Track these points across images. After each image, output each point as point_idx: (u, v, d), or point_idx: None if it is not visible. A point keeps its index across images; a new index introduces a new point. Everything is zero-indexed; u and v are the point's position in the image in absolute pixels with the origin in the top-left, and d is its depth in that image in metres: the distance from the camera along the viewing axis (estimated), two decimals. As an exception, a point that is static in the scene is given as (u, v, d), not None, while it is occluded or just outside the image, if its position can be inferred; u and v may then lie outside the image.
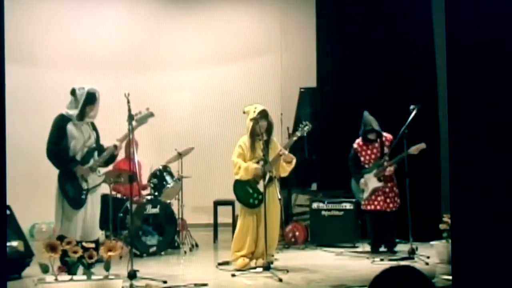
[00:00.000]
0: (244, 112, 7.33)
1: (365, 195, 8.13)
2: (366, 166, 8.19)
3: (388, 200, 8.07)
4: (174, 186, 8.81)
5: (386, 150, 8.07)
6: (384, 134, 8.14)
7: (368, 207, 8.17)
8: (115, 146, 6.83)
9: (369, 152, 8.21)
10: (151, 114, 6.76)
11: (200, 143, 10.19)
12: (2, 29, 3.65)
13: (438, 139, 8.89)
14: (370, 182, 8.08)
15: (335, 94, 10.16)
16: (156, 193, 8.69)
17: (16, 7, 9.82)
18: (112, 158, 6.99)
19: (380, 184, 8.04)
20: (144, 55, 10.88)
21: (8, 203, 4.89)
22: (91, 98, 6.71)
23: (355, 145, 8.27)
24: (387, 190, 8.08)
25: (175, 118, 10.85)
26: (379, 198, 8.10)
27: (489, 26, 3.15)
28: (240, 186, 7.24)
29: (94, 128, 6.92)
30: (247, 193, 7.20)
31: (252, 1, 11.39)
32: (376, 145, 8.17)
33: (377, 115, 8.24)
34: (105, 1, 10.82)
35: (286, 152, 7.21)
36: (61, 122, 6.70)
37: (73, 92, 6.73)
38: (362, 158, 8.23)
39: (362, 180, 8.12)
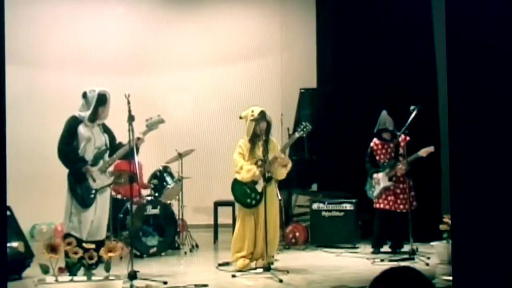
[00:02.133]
0: (241, 118, 7.33)
1: (376, 192, 8.15)
2: (381, 165, 8.22)
3: (398, 201, 8.07)
4: (174, 187, 8.81)
5: (401, 151, 8.07)
6: (402, 136, 8.12)
7: (378, 205, 8.18)
8: (138, 138, 6.82)
9: (384, 151, 8.24)
10: (162, 121, 6.88)
11: (200, 143, 10.19)
12: (3, 30, 3.65)
13: (438, 139, 8.88)
14: (382, 180, 8.11)
15: (335, 95, 10.15)
16: (157, 194, 8.69)
17: (16, 8, 9.82)
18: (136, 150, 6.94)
19: (389, 184, 8.06)
20: (145, 56, 10.88)
21: (8, 204, 4.89)
22: (102, 99, 6.82)
23: (372, 144, 8.30)
24: (398, 191, 8.08)
25: (175, 119, 10.84)
26: (389, 198, 8.11)
27: (489, 26, 3.15)
28: (238, 186, 7.23)
29: (106, 129, 6.99)
30: (245, 193, 7.19)
31: (252, 2, 11.39)
32: (392, 145, 8.19)
33: (377, 116, 8.25)
34: (105, 2, 10.82)
35: (282, 155, 7.21)
36: (73, 124, 6.82)
37: (84, 95, 6.82)
38: (377, 157, 8.26)
39: (375, 175, 8.14)
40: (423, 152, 7.85)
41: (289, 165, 7.26)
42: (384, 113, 8.22)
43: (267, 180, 7.04)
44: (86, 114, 6.78)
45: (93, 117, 6.81)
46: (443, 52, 3.48)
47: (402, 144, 8.09)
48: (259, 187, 7.11)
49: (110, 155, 6.93)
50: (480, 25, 3.16)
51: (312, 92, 10.27)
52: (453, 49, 3.23)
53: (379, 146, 8.28)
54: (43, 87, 10.30)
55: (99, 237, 6.77)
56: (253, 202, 7.15)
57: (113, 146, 6.98)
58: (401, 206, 8.06)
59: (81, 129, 6.78)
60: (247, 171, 7.12)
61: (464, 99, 3.19)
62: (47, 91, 10.21)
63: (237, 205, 7.42)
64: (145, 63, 10.86)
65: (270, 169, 7.09)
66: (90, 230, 6.71)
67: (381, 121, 8.19)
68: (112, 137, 7.03)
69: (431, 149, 7.86)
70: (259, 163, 7.12)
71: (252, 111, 7.22)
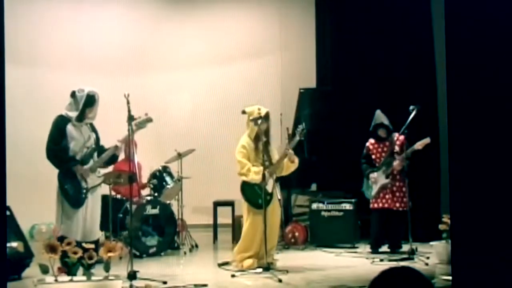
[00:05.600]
0: (244, 112, 7.31)
1: (373, 192, 8.15)
2: (377, 165, 8.22)
3: (395, 199, 8.09)
4: (174, 187, 8.81)
5: (396, 149, 8.10)
6: (396, 134, 8.15)
7: (376, 205, 8.19)
8: (116, 147, 6.86)
9: (380, 150, 8.26)
10: (150, 120, 6.78)
11: (200, 143, 10.19)
12: (2, 30, 3.65)
13: (438, 140, 8.89)
14: (379, 179, 8.12)
15: (334, 95, 10.15)
16: (156, 194, 8.69)
17: (16, 8, 9.82)
18: (113, 159, 7.02)
19: (387, 181, 8.07)
20: (144, 56, 10.88)
21: (8, 203, 4.89)
22: (90, 101, 6.77)
23: (367, 144, 8.33)
24: (394, 189, 8.10)
25: (175, 118, 10.86)
26: (387, 196, 8.11)
27: (489, 26, 3.15)
28: (248, 186, 7.21)
29: (93, 129, 6.96)
30: (255, 193, 7.17)
31: (252, 2, 11.39)
32: (387, 144, 8.21)
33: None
34: (105, 2, 10.82)
35: (291, 151, 7.23)
36: (60, 123, 6.76)
37: (73, 94, 6.78)
38: (373, 157, 8.28)
39: (372, 175, 8.15)
40: (419, 145, 7.81)
41: (296, 161, 7.31)
42: (378, 111, 8.26)
43: (275, 180, 7.13)
44: (74, 114, 6.73)
45: (81, 118, 6.77)
46: (443, 52, 3.48)
47: (397, 143, 8.11)
48: (269, 188, 7.11)
49: (98, 155, 6.92)
50: (480, 24, 3.17)
51: (311, 92, 10.27)
52: (453, 49, 3.23)
53: (375, 146, 8.29)
54: (43, 87, 10.29)
55: (93, 237, 6.74)
56: (264, 202, 7.12)
57: (99, 147, 6.97)
58: (397, 204, 8.07)
59: (70, 128, 6.73)
60: (256, 173, 7.10)
61: (464, 98, 3.19)
62: (47, 91, 10.20)
63: (245, 205, 7.32)
64: (144, 63, 10.86)
65: (275, 170, 7.15)
66: (84, 231, 6.69)
67: (376, 117, 8.23)
68: (98, 138, 7.00)
69: (427, 140, 7.83)
70: (266, 164, 7.12)
71: (259, 109, 7.22)
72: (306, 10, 11.11)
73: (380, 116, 8.22)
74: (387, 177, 8.09)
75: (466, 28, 3.18)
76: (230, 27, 11.18)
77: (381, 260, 7.59)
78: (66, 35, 10.50)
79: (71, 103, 6.79)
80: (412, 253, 7.54)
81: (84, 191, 6.73)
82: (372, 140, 8.32)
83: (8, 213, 6.74)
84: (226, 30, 11.15)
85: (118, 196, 8.55)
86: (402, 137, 8.06)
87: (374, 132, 8.26)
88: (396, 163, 8.00)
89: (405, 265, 6.10)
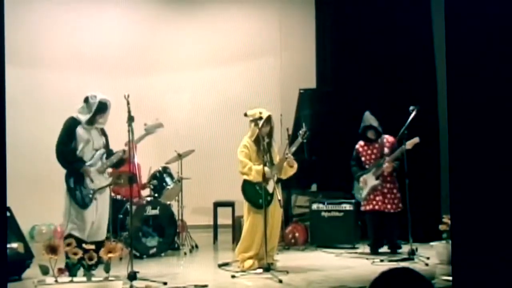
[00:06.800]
0: (246, 115, 7.31)
1: (364, 193, 8.15)
2: (367, 166, 8.22)
3: (386, 201, 8.08)
4: (174, 188, 8.81)
5: (386, 150, 8.10)
6: (386, 136, 8.15)
7: (367, 207, 8.19)
8: (124, 151, 6.91)
9: (369, 152, 8.24)
10: (161, 125, 6.88)
11: (200, 144, 10.19)
12: (2, 30, 3.65)
13: (438, 140, 8.88)
14: (369, 180, 8.11)
15: (334, 95, 10.15)
16: (156, 195, 8.69)
17: (16, 8, 9.82)
18: (121, 162, 7.07)
19: (376, 182, 8.06)
20: (144, 57, 10.88)
21: (8, 204, 4.89)
22: (102, 108, 6.87)
23: (357, 146, 8.32)
24: (385, 190, 8.09)
25: (175, 119, 10.84)
26: (377, 198, 8.11)
27: (489, 26, 3.15)
28: (249, 186, 7.24)
29: (103, 133, 7.05)
30: (256, 193, 7.19)
31: (252, 3, 11.39)
32: (377, 145, 8.20)
33: (377, 116, 8.26)
34: (105, 3, 10.82)
35: (291, 156, 7.25)
36: (71, 125, 6.87)
37: (86, 100, 6.87)
38: (363, 159, 8.27)
39: (361, 178, 8.15)
40: (408, 145, 7.76)
41: (295, 165, 7.32)
42: (367, 112, 8.25)
43: (276, 182, 7.15)
44: (85, 118, 6.83)
45: (92, 121, 6.86)
46: (443, 52, 3.48)
47: (387, 144, 8.11)
48: (270, 188, 7.12)
49: (106, 158, 6.98)
50: (480, 24, 3.16)
51: (311, 92, 10.27)
52: (453, 49, 3.23)
53: (365, 148, 8.28)
54: (43, 87, 10.30)
55: (99, 238, 6.81)
56: (265, 202, 7.13)
57: (108, 150, 7.04)
58: (389, 206, 8.07)
59: (80, 131, 6.83)
60: (257, 172, 7.12)
61: (464, 99, 3.19)
62: (47, 91, 10.21)
63: (246, 206, 7.35)
64: (144, 64, 10.86)
65: (276, 171, 7.18)
66: (90, 231, 6.75)
67: (365, 119, 8.22)
68: (107, 141, 7.08)
69: (416, 140, 7.79)
70: (268, 164, 7.13)
71: (260, 113, 7.23)
72: (306, 10, 11.11)
73: (368, 118, 8.21)
74: (377, 178, 8.08)
75: (466, 28, 3.17)
76: (230, 28, 11.19)
77: (381, 261, 7.59)
78: (66, 35, 10.50)
79: (84, 107, 6.90)
80: (412, 254, 7.53)
81: (92, 192, 6.79)
82: (361, 142, 8.31)
83: (8, 214, 6.74)
84: (226, 31, 11.15)
85: (118, 196, 8.56)
86: (391, 139, 8.07)
87: (363, 134, 8.26)
88: (385, 165, 7.99)
89: (405, 265, 6.11)
